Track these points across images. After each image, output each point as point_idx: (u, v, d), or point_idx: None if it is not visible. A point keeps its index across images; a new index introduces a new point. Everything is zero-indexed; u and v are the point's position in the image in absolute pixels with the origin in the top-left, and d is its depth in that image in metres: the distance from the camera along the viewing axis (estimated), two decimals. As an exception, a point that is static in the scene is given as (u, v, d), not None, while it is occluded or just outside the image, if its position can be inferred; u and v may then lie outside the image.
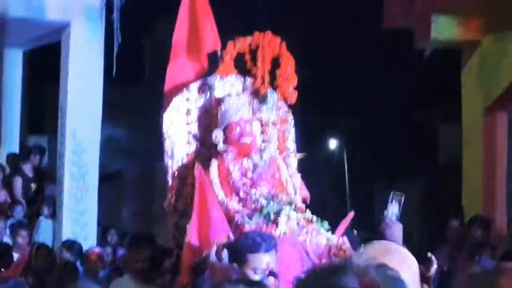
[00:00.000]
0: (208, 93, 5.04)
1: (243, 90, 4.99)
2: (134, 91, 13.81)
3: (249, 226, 4.40)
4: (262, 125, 4.94)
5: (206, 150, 4.97)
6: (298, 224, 4.44)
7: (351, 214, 4.52)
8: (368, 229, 5.11)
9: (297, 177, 4.90)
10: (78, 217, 8.56)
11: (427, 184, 13.09)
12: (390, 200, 3.53)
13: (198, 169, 4.61)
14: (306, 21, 12.49)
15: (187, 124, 5.02)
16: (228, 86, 4.98)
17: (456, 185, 9.10)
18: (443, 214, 8.01)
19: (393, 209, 3.54)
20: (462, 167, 8.89)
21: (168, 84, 5.25)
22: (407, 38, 8.82)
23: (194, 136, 5.02)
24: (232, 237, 4.28)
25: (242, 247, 3.90)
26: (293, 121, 5.18)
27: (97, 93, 8.78)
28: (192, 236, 4.39)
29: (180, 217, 4.85)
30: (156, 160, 12.58)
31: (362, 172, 15.28)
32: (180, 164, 4.95)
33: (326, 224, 4.48)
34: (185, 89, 5.07)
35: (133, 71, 13.28)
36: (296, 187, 4.81)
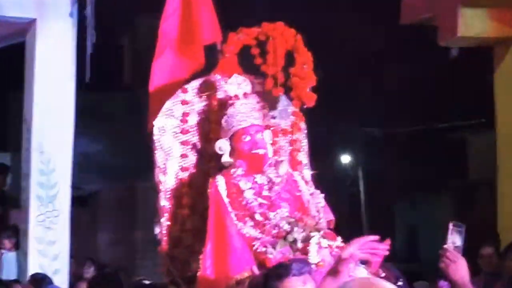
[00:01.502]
0: (210, 95, 4.95)
1: (251, 91, 4.87)
2: (112, 99, 13.77)
3: (273, 256, 4.28)
4: (272, 134, 4.86)
5: (206, 164, 4.87)
6: (331, 253, 4.27)
7: (387, 243, 4.29)
8: (388, 257, 5.10)
9: (320, 196, 4.79)
10: (47, 248, 8.50)
11: (455, 204, 13.13)
12: (449, 231, 3.50)
13: (213, 186, 4.51)
14: (318, 21, 12.48)
15: (183, 132, 4.92)
16: (234, 86, 4.85)
17: (489, 206, 9.14)
18: (474, 240, 7.98)
19: (454, 241, 3.51)
20: (496, 184, 8.86)
21: (154, 84, 5.13)
22: (430, 34, 8.80)
23: (192, 147, 4.92)
24: (256, 270, 4.18)
25: (268, 276, 3.76)
26: (305, 130, 5.11)
27: (68, 101, 8.73)
28: (206, 269, 4.29)
29: (175, 246, 4.76)
30: (139, 179, 12.76)
31: (380, 191, 15.19)
32: (174, 181, 4.85)
33: None
34: (180, 90, 4.97)
35: (111, 75, 13.26)
36: (319, 209, 4.71)
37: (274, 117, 5.08)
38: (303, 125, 5.13)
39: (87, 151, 12.42)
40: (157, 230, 4.87)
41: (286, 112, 5.13)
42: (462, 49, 8.98)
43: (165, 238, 4.80)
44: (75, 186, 8.88)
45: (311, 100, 4.80)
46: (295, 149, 5.07)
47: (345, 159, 16.39)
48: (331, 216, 4.80)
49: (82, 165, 10.72)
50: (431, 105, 13.29)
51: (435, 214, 14.03)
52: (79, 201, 10.22)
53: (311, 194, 4.78)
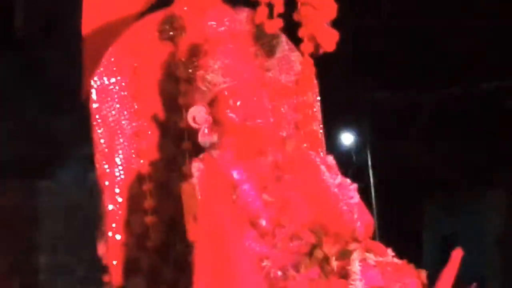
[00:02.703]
0: (174, 37, 4.97)
1: (239, 31, 4.91)
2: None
3: (296, 281, 4.10)
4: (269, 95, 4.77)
5: (174, 145, 4.88)
6: (383, 275, 4.14)
7: (458, 253, 4.27)
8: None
9: (352, 188, 4.64)
10: None
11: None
12: None
13: (199, 174, 4.30)
14: None
15: (137, 97, 4.94)
16: (213, 23, 4.97)
17: None
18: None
19: None
20: None
21: (88, 25, 5.17)
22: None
23: (151, 119, 4.93)
24: None
25: None
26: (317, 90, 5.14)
27: None
28: None
29: (131, 273, 4.80)
30: (42, 177, 12.61)
31: (399, 186, 15.17)
32: (126, 172, 4.90)
33: (423, 273, 4.25)
34: (129, 32, 4.98)
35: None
36: (353, 207, 4.57)
37: (269, 69, 5.01)
38: (315, 80, 5.15)
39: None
40: (101, 249, 4.83)
41: (289, 61, 5.15)
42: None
43: (114, 263, 4.77)
44: None
45: (330, 41, 4.70)
46: (307, 117, 5.13)
47: (347, 139, 16.35)
48: (369, 218, 4.65)
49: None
50: (478, 58, 13.32)
51: (482, 220, 14.24)
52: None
53: (339, 186, 4.62)
